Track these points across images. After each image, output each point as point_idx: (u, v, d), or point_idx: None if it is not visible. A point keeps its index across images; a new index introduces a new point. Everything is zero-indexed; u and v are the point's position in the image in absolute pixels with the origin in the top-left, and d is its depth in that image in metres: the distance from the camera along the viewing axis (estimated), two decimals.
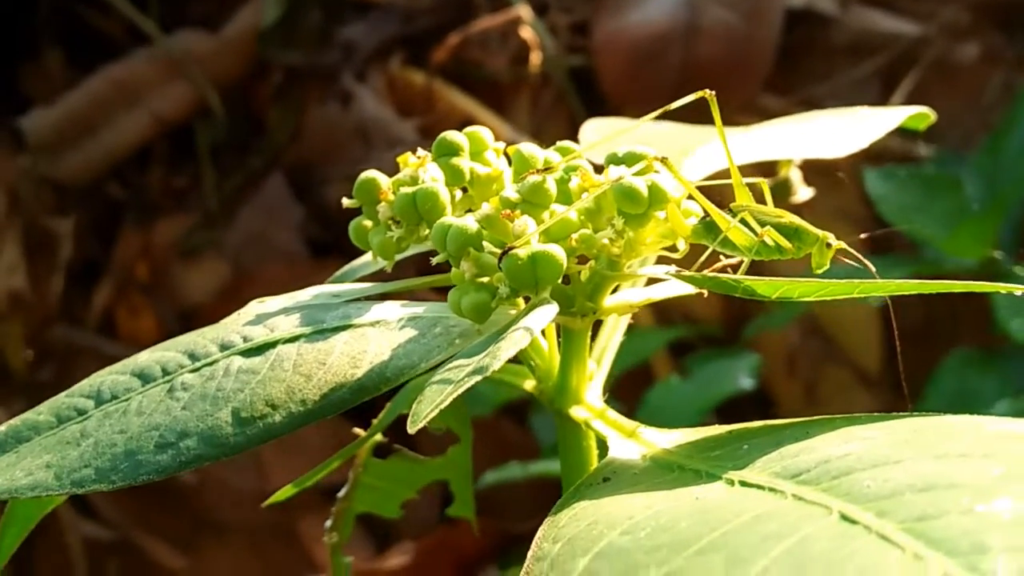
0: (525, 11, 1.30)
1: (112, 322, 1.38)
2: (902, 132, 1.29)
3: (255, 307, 0.46)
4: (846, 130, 0.55)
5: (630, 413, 1.11)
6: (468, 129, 0.47)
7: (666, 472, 0.37)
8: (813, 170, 1.29)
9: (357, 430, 0.54)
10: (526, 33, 1.28)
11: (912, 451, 0.31)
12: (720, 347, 1.25)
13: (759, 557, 0.28)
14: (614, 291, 0.45)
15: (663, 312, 1.31)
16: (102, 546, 1.31)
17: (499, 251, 0.39)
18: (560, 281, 0.42)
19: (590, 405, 0.45)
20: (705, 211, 0.40)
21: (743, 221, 0.40)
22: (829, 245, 0.40)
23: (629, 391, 1.19)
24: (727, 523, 0.30)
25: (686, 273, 0.40)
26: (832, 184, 1.30)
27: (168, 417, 0.40)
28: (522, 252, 0.39)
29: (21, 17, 1.46)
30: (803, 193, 0.72)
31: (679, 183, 0.39)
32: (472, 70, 1.33)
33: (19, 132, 1.37)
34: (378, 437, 0.54)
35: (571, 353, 0.44)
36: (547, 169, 0.42)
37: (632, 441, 0.41)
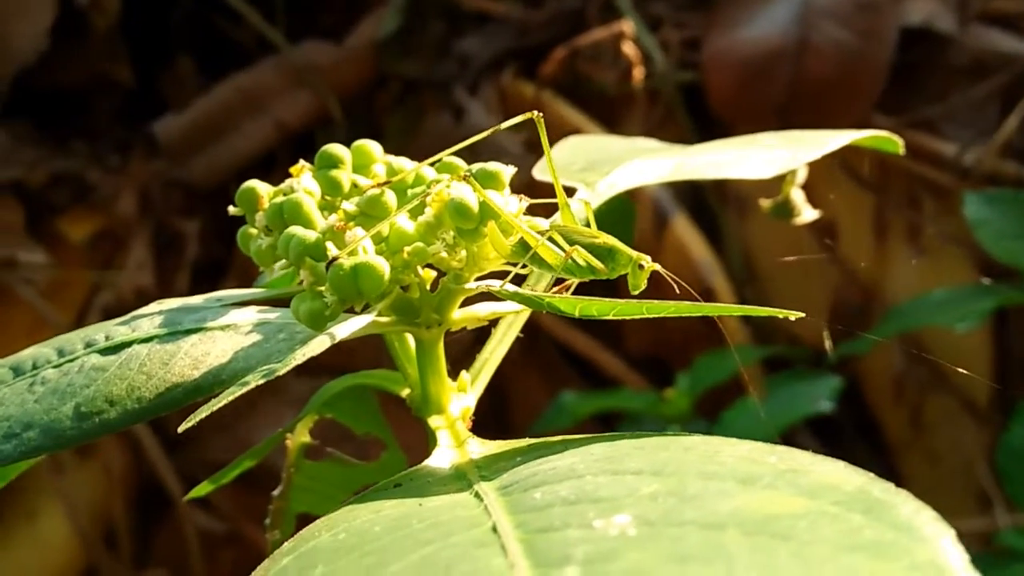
0: (628, 26, 1.30)
1: None
2: (1017, 155, 1.26)
3: (152, 307, 0.48)
4: (782, 151, 0.55)
5: (711, 429, 1.11)
6: (356, 143, 0.48)
7: (452, 481, 0.38)
8: (927, 191, 1.27)
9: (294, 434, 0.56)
10: (628, 48, 1.29)
11: (600, 467, 0.32)
12: (816, 368, 1.23)
13: (397, 560, 0.29)
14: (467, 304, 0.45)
15: (762, 330, 1.30)
16: (217, 538, 1.36)
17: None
18: (411, 293, 0.44)
19: (448, 415, 0.45)
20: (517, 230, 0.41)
21: (552, 240, 0.41)
22: (642, 266, 0.41)
23: (719, 406, 1.19)
24: (407, 528, 0.31)
25: (495, 289, 0.41)
26: (943, 208, 1.27)
27: (20, 409, 0.42)
28: (346, 263, 0.40)
29: (158, 27, 1.53)
30: (807, 214, 0.72)
31: (486, 201, 0.40)
32: (584, 84, 1.34)
33: (153, 136, 1.43)
34: (305, 439, 0.56)
35: (425, 363, 0.45)
36: (386, 183, 0.43)
37: (456, 450, 0.42)
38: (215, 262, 1.45)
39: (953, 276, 1.26)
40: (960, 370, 1.19)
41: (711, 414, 1.18)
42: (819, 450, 1.01)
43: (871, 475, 0.30)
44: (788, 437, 1.19)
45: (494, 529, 0.30)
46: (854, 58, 1.28)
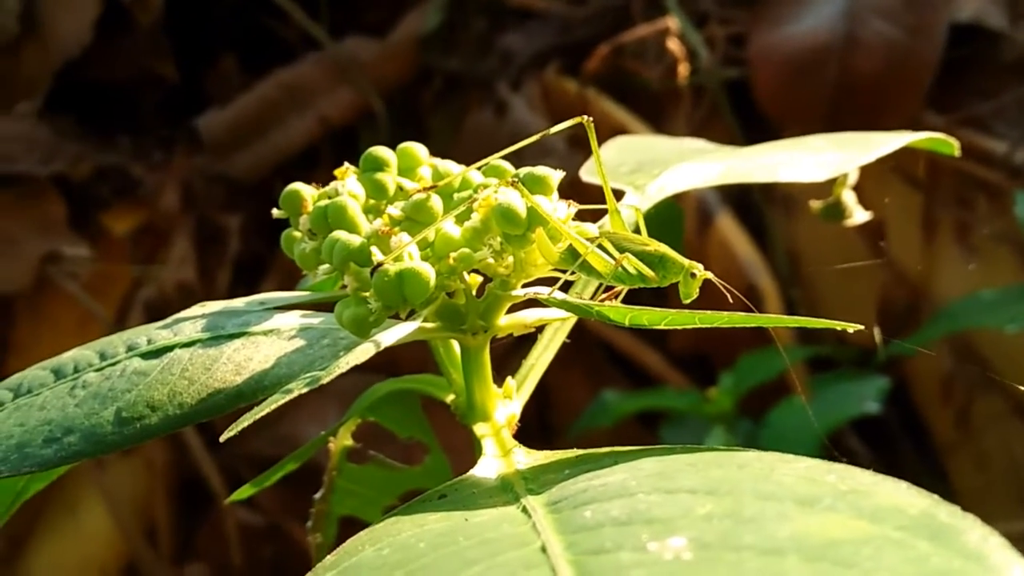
0: (673, 22, 1.29)
1: None
2: None
3: (195, 310, 0.48)
4: (834, 154, 0.54)
5: (755, 429, 1.10)
6: (402, 145, 0.47)
7: (499, 493, 0.37)
8: (977, 189, 1.25)
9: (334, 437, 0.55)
10: (673, 44, 1.28)
11: (652, 484, 0.31)
12: (862, 368, 1.21)
13: None
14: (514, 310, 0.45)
15: (808, 330, 1.28)
16: (258, 533, 1.35)
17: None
18: (456, 299, 0.43)
19: (493, 422, 0.45)
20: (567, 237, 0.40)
21: (602, 247, 0.40)
22: (694, 275, 0.40)
23: (763, 406, 1.17)
24: (453, 545, 0.30)
25: (544, 297, 0.40)
26: (993, 207, 1.25)
27: (61, 413, 0.42)
28: (391, 268, 0.40)
29: (201, 23, 1.53)
30: (859, 216, 0.70)
31: (534, 207, 0.39)
32: (628, 81, 1.33)
33: (196, 132, 1.43)
34: (348, 442, 0.56)
35: (471, 370, 0.44)
36: (432, 187, 0.42)
37: (501, 460, 0.41)
38: (257, 257, 1.45)
39: (1003, 275, 1.24)
40: None
41: (755, 414, 1.17)
42: (865, 452, 0.99)
43: (935, 497, 0.29)
44: (834, 438, 1.17)
45: (543, 549, 0.29)
46: (903, 55, 1.26)
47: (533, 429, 1.30)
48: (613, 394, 1.19)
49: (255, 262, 1.44)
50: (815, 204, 0.70)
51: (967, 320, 1.13)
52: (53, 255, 1.36)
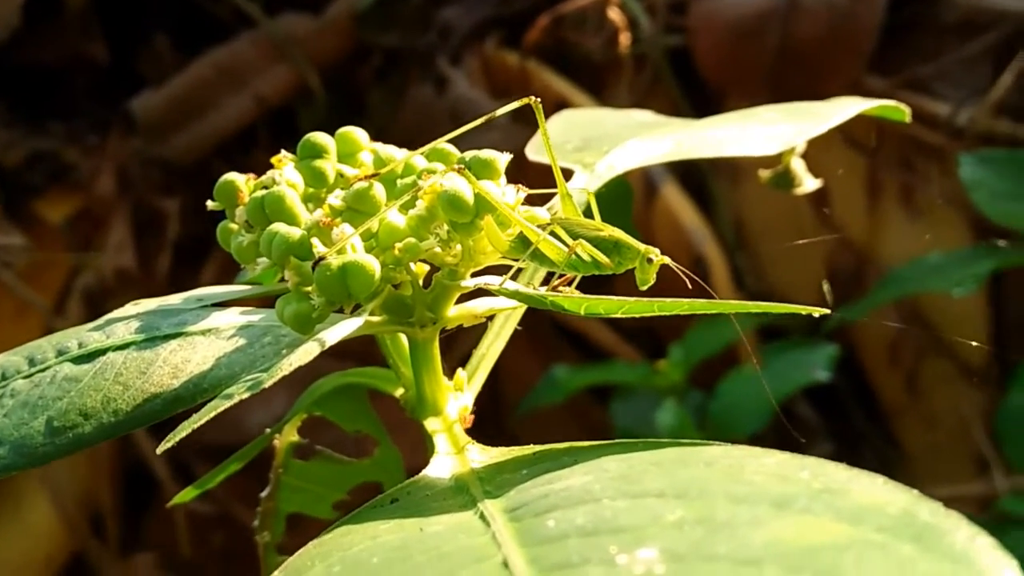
0: None
1: None
2: (1011, 114, 1.23)
3: (129, 309, 0.45)
4: (785, 126, 0.52)
5: (706, 400, 1.09)
6: (341, 130, 0.45)
7: (453, 495, 0.35)
8: (921, 152, 1.24)
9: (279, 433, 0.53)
10: (614, 13, 1.26)
11: (618, 488, 0.29)
12: (811, 336, 1.20)
13: None
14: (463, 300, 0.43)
15: (756, 298, 1.27)
16: (206, 520, 1.33)
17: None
18: (403, 290, 0.41)
19: (445, 416, 0.43)
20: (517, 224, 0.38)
21: (554, 234, 0.38)
22: (651, 260, 0.38)
23: (713, 377, 1.16)
24: (407, 560, 0.29)
25: (494, 287, 0.38)
26: (938, 169, 1.25)
27: None
28: (333, 262, 0.38)
29: (133, 3, 1.49)
30: (809, 184, 0.69)
31: (481, 193, 0.37)
32: (569, 51, 1.31)
33: (131, 114, 1.40)
34: (294, 438, 0.54)
35: (420, 363, 0.43)
36: (374, 175, 0.41)
37: (455, 458, 0.39)
38: (197, 240, 1.42)
39: (948, 238, 1.23)
40: (981, 343, 1.17)
41: (706, 385, 1.16)
42: (815, 417, 0.98)
43: (915, 492, 0.27)
44: (785, 405, 1.17)
45: (505, 564, 0.27)
46: (844, 18, 1.25)
47: (484, 407, 1.29)
48: (563, 369, 1.18)
49: (195, 246, 1.41)
50: (764, 173, 0.68)
51: (914, 284, 1.12)
52: None
